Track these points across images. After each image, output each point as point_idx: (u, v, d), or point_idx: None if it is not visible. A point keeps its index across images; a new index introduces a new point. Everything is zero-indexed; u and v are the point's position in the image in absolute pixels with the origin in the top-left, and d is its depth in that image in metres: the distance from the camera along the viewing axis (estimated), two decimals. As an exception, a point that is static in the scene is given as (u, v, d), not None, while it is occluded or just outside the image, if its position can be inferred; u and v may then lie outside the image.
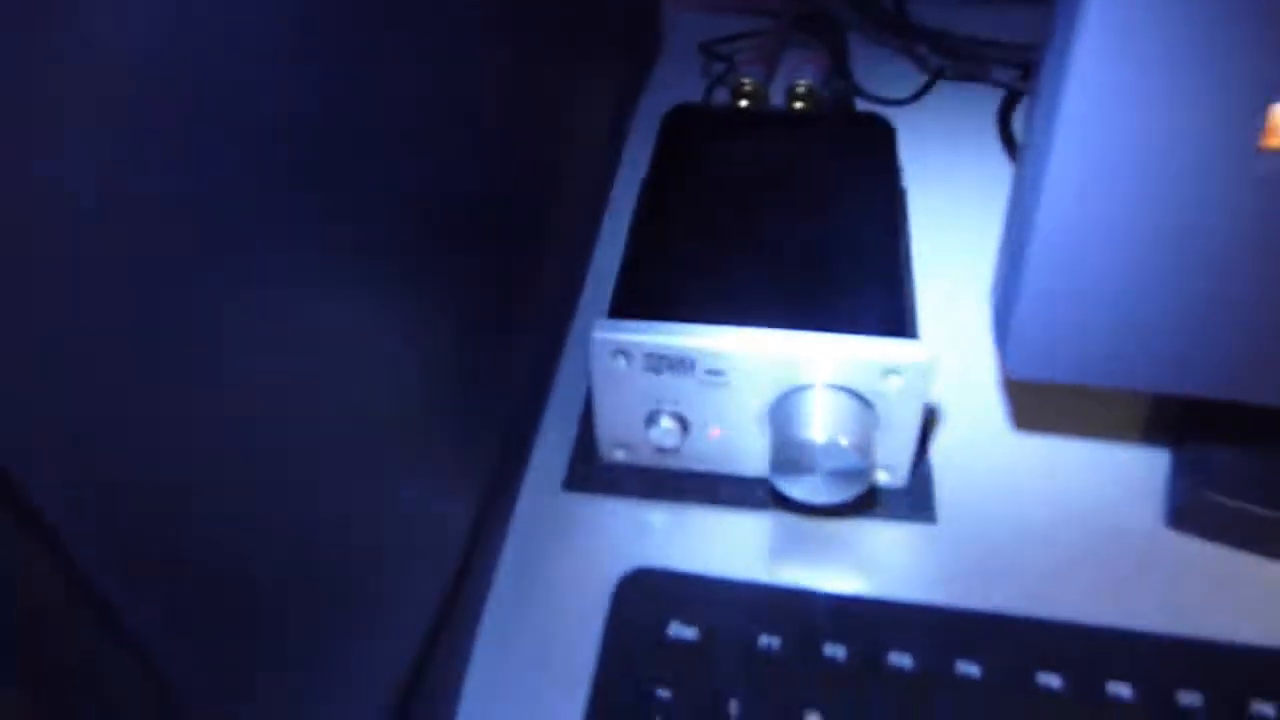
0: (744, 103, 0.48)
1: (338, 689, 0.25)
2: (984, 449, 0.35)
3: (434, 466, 0.29)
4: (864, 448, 0.30)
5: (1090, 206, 0.26)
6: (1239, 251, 0.26)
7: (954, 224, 0.44)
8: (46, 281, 0.14)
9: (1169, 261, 0.27)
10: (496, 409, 0.34)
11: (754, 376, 0.31)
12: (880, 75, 0.52)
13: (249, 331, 0.19)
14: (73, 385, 0.15)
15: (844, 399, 0.30)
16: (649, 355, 0.31)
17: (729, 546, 0.33)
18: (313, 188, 0.21)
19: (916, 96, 0.51)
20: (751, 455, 0.33)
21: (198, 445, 0.18)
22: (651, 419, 0.32)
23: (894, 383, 0.30)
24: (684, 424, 0.32)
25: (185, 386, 0.17)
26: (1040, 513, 0.33)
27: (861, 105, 0.50)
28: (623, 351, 0.31)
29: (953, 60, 0.53)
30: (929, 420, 0.36)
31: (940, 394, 0.37)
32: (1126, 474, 0.34)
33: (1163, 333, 0.28)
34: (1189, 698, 0.28)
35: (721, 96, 0.50)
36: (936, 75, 0.52)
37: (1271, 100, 0.24)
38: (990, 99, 0.50)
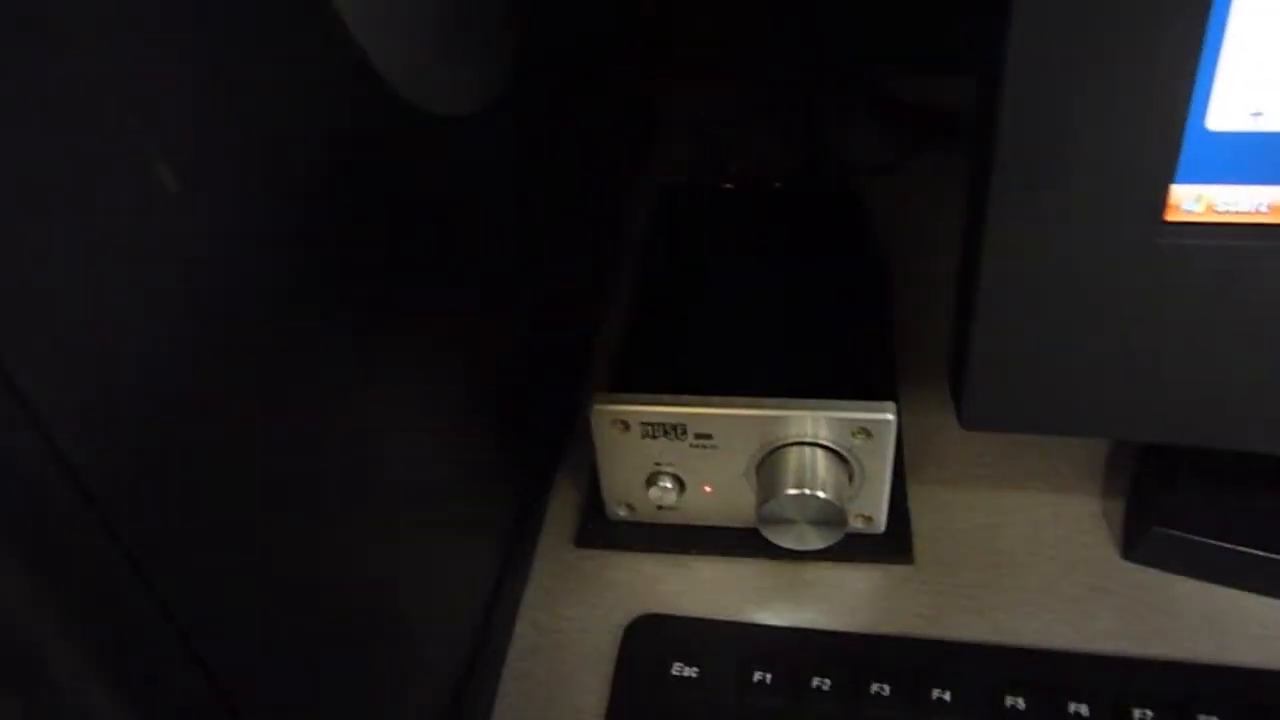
0: (729, 185, 0.52)
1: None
2: (958, 496, 0.39)
3: (461, 532, 0.33)
4: (841, 498, 0.34)
5: (1026, 269, 0.30)
6: (1152, 314, 0.30)
7: (931, 288, 0.48)
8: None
9: (1098, 323, 0.31)
10: (514, 477, 0.38)
11: (739, 439, 0.34)
12: (858, 146, 0.56)
13: (311, 416, 0.23)
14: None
15: (820, 455, 0.34)
16: (645, 424, 0.34)
17: (725, 592, 0.36)
18: (357, 295, 0.25)
19: (893, 167, 0.55)
20: (742, 509, 0.36)
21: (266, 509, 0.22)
22: (651, 480, 0.36)
23: (864, 440, 0.34)
24: (680, 483, 0.36)
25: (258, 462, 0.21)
26: (1009, 551, 0.37)
27: (843, 175, 0.54)
28: (621, 421, 0.35)
29: (930, 131, 0.57)
30: (907, 470, 0.39)
31: (917, 445, 0.40)
32: (1087, 513, 0.38)
33: (1102, 386, 0.32)
34: (1141, 712, 0.31)
35: (710, 174, 0.54)
36: (913, 146, 0.56)
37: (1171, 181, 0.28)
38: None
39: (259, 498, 0.22)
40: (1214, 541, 0.34)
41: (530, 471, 0.40)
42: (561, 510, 0.40)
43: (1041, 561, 0.36)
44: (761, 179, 0.52)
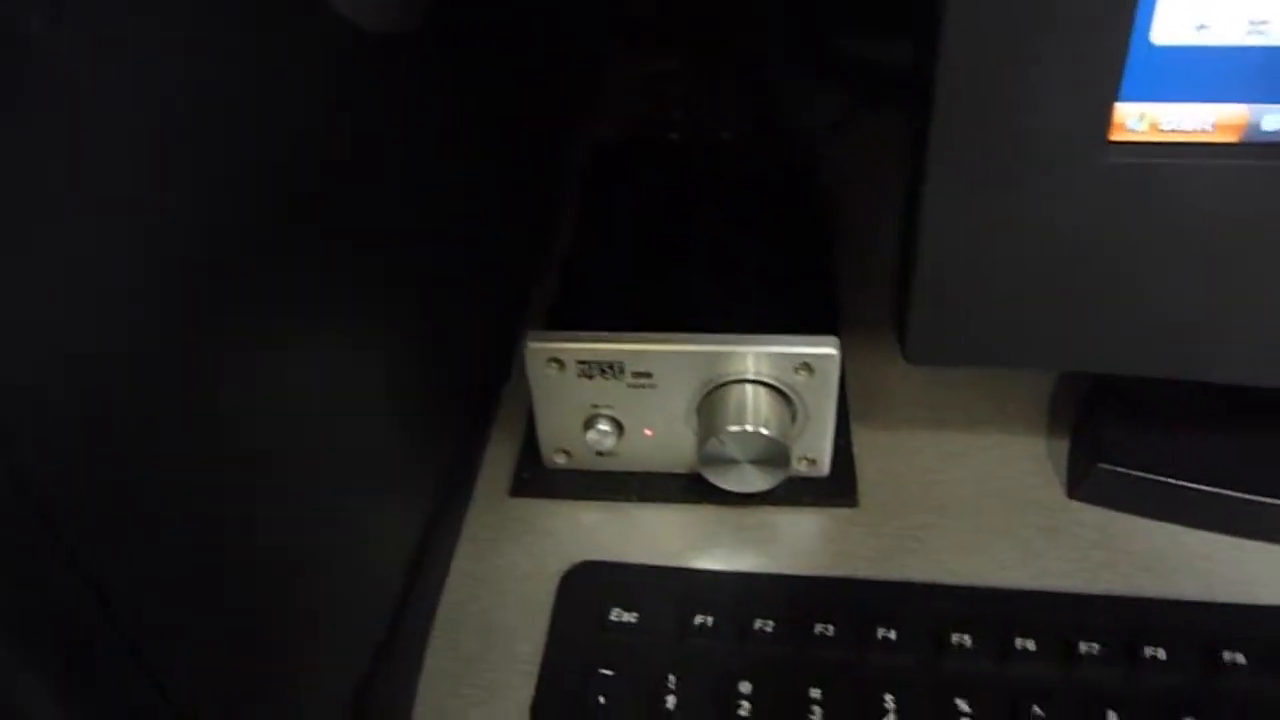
0: (674, 136, 0.51)
1: (299, 686, 0.27)
2: (904, 438, 0.38)
3: (390, 483, 0.32)
4: (784, 437, 0.33)
5: (969, 195, 0.29)
6: (1097, 238, 0.29)
7: (878, 239, 0.47)
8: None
9: (1041, 252, 0.30)
10: (448, 428, 0.36)
11: (679, 378, 0.33)
12: (808, 103, 0.55)
13: (247, 355, 0.22)
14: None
15: (763, 393, 0.33)
16: (580, 362, 0.33)
17: (665, 539, 0.35)
18: (305, 252, 0.23)
19: (842, 124, 0.54)
20: (683, 452, 0.35)
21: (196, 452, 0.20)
22: (589, 423, 0.35)
23: (807, 376, 0.33)
24: (619, 426, 0.35)
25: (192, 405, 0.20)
26: (954, 493, 0.36)
27: (792, 132, 0.53)
28: (556, 359, 0.33)
29: (879, 89, 0.56)
30: (852, 414, 0.39)
31: (862, 389, 0.40)
32: (1033, 453, 0.37)
33: (1048, 315, 0.31)
34: (1087, 646, 0.30)
35: (657, 127, 0.53)
36: (863, 104, 0.55)
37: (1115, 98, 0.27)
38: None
39: (181, 454, 0.20)
40: (1157, 477, 0.34)
41: (464, 422, 0.39)
42: (499, 462, 0.38)
43: (987, 502, 0.36)
44: (709, 131, 0.51)
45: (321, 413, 0.27)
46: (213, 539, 0.22)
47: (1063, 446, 0.37)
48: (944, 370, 0.40)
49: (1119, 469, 0.35)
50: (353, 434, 0.29)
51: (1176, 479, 0.34)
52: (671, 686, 0.30)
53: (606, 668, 0.31)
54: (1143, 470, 0.34)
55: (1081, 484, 0.35)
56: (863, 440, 0.38)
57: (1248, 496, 0.33)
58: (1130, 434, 0.35)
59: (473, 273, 0.38)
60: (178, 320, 0.20)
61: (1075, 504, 0.35)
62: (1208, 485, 0.34)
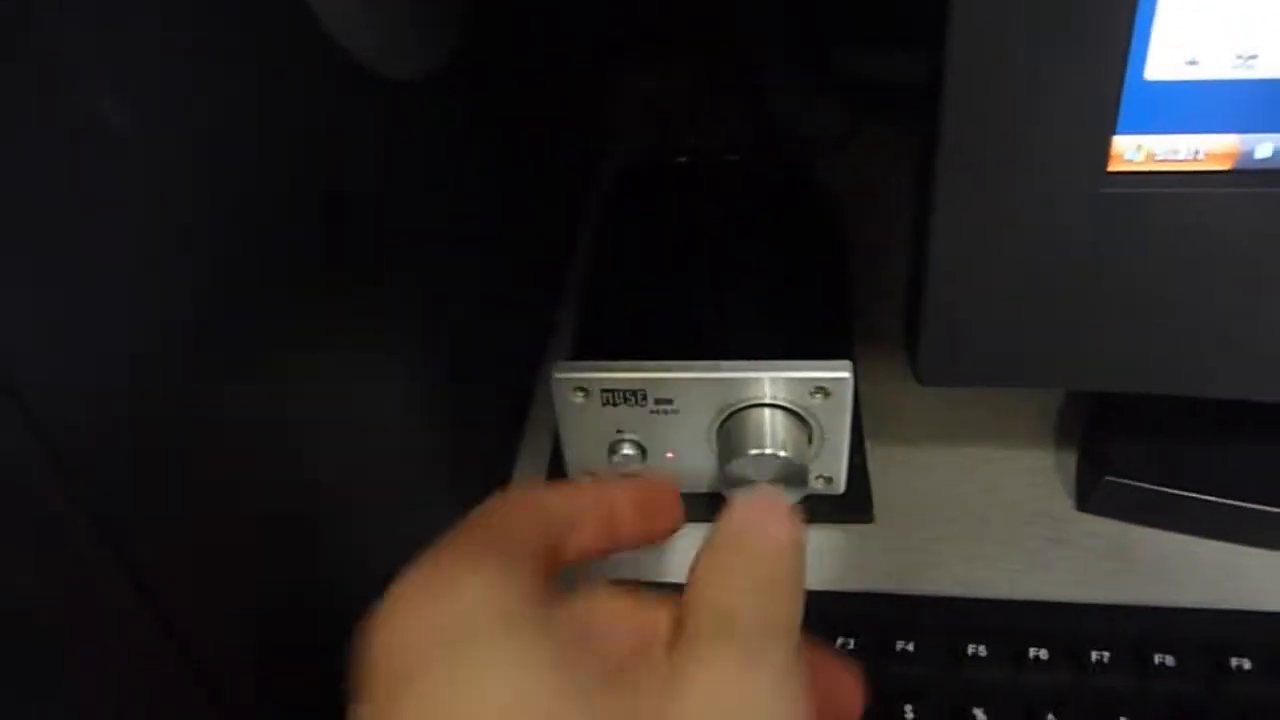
0: (683, 159, 0.53)
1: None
2: (918, 454, 0.39)
3: (423, 501, 0.33)
4: (800, 458, 0.34)
5: (976, 223, 0.30)
6: (1100, 264, 0.30)
7: (887, 257, 0.48)
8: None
9: (1047, 275, 0.31)
10: (474, 454, 0.38)
11: (699, 403, 0.35)
12: (812, 119, 0.56)
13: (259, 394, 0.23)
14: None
15: (779, 416, 0.34)
16: (605, 390, 0.35)
17: (689, 556, 0.36)
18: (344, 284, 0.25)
19: (846, 140, 0.56)
20: (704, 473, 0.36)
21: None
22: (613, 448, 0.36)
23: (822, 399, 0.34)
24: (642, 450, 0.36)
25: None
26: (967, 507, 0.37)
27: (797, 148, 0.55)
28: (582, 388, 0.35)
29: (882, 104, 0.57)
30: (866, 432, 0.40)
31: (876, 406, 0.41)
32: (1042, 467, 0.39)
33: (1053, 337, 0.32)
34: (1099, 654, 0.31)
35: (666, 150, 0.55)
36: (866, 119, 0.56)
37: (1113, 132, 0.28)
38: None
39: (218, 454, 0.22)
40: (1164, 489, 0.35)
41: (490, 448, 0.40)
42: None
43: (999, 515, 0.37)
44: (716, 152, 0.52)
45: (350, 442, 0.28)
46: (251, 541, 0.23)
47: (1071, 460, 0.38)
48: (955, 388, 0.41)
49: (1127, 481, 0.36)
50: (379, 460, 0.30)
51: (1183, 490, 0.35)
52: (700, 701, 0.31)
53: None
54: (1150, 482, 0.35)
55: (1090, 496, 0.36)
56: (877, 457, 0.39)
57: (1254, 506, 0.35)
58: (1137, 447, 0.36)
59: (496, 297, 0.40)
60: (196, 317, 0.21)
61: (1085, 516, 0.37)
62: (1214, 496, 0.35)
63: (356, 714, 0.18)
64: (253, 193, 0.22)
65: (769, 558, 0.21)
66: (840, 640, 0.32)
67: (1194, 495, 0.35)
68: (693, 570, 0.21)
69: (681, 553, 0.36)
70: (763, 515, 0.22)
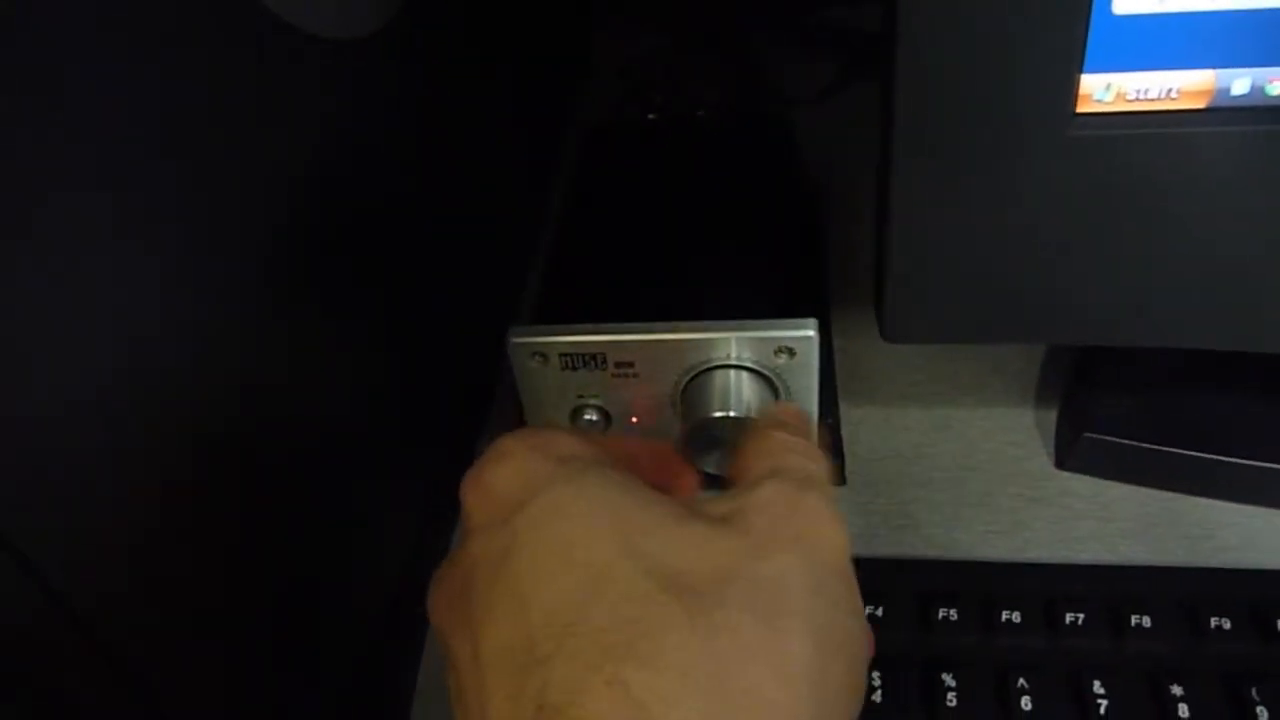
0: (653, 117, 0.51)
1: (301, 670, 0.28)
2: (893, 413, 0.38)
3: (388, 471, 0.32)
4: (767, 420, 0.33)
5: (940, 172, 0.29)
6: (1069, 211, 0.29)
7: (865, 215, 0.47)
8: None
9: (1015, 224, 0.30)
10: (443, 417, 0.37)
11: (660, 366, 0.33)
12: (790, 75, 0.55)
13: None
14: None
15: (744, 377, 0.33)
16: (563, 355, 0.33)
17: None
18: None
19: (824, 95, 0.54)
20: (670, 437, 0.35)
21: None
22: (575, 414, 0.35)
23: (788, 359, 0.33)
24: (606, 415, 0.35)
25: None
26: (943, 467, 0.36)
27: (773, 104, 0.53)
28: (539, 353, 0.33)
29: (860, 59, 0.56)
30: (840, 393, 0.39)
31: (851, 366, 0.40)
32: (1020, 426, 0.37)
33: (1023, 289, 0.31)
34: (1073, 615, 0.30)
35: (637, 109, 0.53)
36: (844, 74, 0.55)
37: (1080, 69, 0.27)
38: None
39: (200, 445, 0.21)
40: (1144, 445, 0.34)
41: (456, 416, 0.39)
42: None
43: (975, 476, 0.36)
44: (686, 109, 0.51)
45: (323, 409, 0.27)
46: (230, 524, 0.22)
47: (1050, 417, 0.37)
48: (931, 345, 0.40)
49: (1106, 438, 0.35)
50: (352, 428, 0.29)
51: (1162, 445, 0.34)
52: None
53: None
54: (1130, 438, 0.34)
55: (1070, 454, 0.35)
56: (852, 418, 0.38)
57: (1234, 460, 0.33)
58: (1117, 403, 0.35)
59: (464, 270, 0.39)
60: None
61: (1064, 474, 0.36)
62: (1194, 450, 0.34)
63: (465, 549, 0.21)
64: (207, 170, 0.21)
65: (802, 432, 0.26)
66: (808, 606, 0.31)
67: (1174, 450, 0.34)
68: (740, 450, 0.25)
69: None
70: (788, 414, 0.28)
